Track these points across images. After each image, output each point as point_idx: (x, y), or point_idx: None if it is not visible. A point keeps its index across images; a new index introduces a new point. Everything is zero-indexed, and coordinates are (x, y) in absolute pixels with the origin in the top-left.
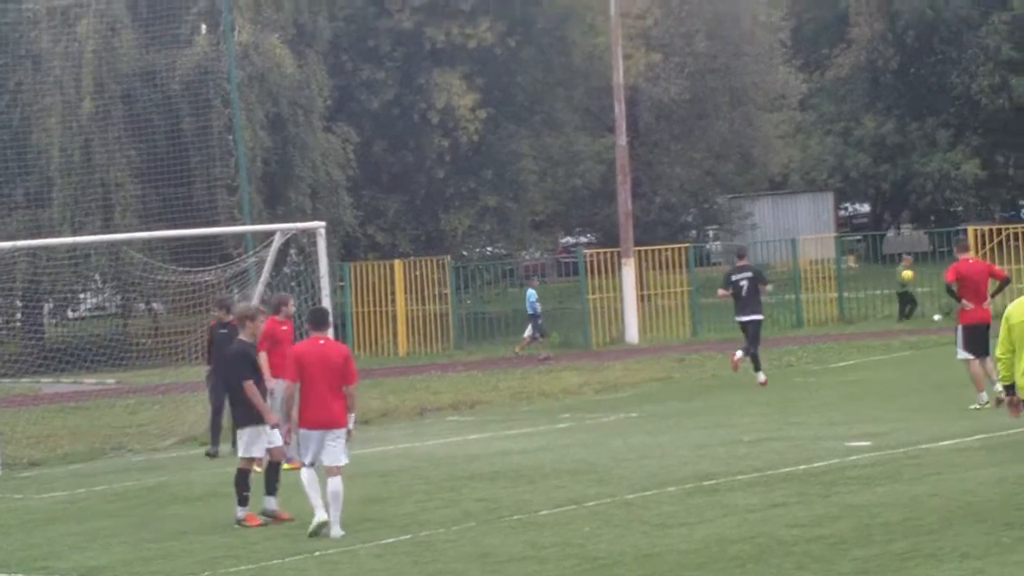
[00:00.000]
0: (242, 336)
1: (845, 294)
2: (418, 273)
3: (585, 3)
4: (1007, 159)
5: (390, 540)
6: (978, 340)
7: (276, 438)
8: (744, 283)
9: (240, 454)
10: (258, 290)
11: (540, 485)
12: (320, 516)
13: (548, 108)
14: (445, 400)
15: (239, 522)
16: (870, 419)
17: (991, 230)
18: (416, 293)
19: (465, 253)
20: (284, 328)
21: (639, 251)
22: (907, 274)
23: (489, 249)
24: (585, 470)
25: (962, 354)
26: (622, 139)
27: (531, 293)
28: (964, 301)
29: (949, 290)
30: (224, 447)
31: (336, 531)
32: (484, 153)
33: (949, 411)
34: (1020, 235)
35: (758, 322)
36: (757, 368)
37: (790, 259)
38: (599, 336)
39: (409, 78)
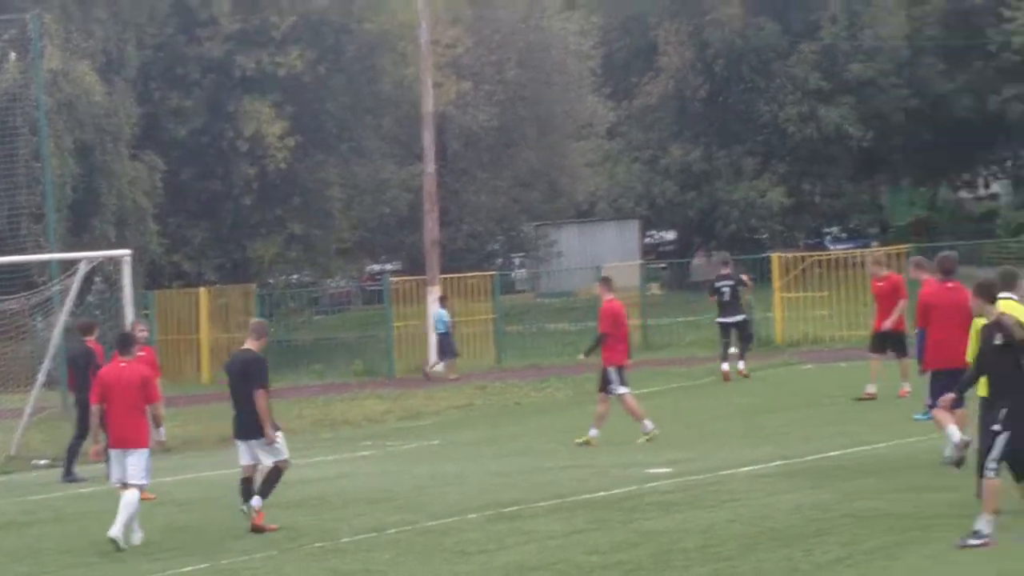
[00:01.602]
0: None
1: (649, 321)
2: (223, 301)
3: (395, 32)
4: (813, 187)
5: (189, 568)
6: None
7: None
8: (726, 289)
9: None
10: (62, 318)
11: (342, 513)
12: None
13: (357, 136)
14: None
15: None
16: (671, 446)
17: (795, 257)
18: (221, 321)
19: (271, 281)
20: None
21: (445, 279)
22: None
23: (295, 276)
24: (387, 498)
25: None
26: (430, 167)
27: (441, 313)
28: None
29: None
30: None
31: (114, 531)
32: (292, 181)
33: (749, 437)
34: (824, 263)
35: (744, 321)
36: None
37: (595, 286)
38: (403, 364)
39: (218, 106)
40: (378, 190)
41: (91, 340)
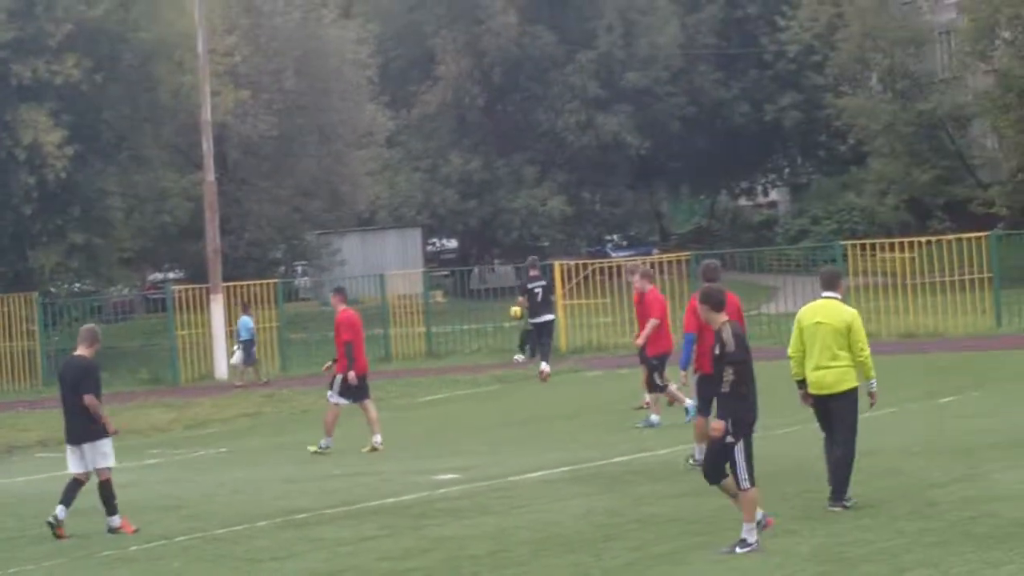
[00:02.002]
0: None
1: (433, 328)
2: (4, 310)
3: (172, 40)
4: (593, 195)
5: None
6: None
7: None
8: (538, 290)
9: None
10: None
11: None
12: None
13: (136, 144)
14: (33, 437)
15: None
16: (459, 452)
17: (577, 265)
18: (3, 330)
19: (53, 290)
20: None
21: (228, 287)
22: (516, 310)
23: (77, 285)
24: (175, 506)
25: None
26: (210, 175)
27: (246, 320)
28: None
29: None
30: None
31: None
32: (72, 190)
33: (536, 444)
34: (606, 270)
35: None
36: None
37: (378, 294)
38: (188, 372)
39: None
40: (159, 199)
41: None
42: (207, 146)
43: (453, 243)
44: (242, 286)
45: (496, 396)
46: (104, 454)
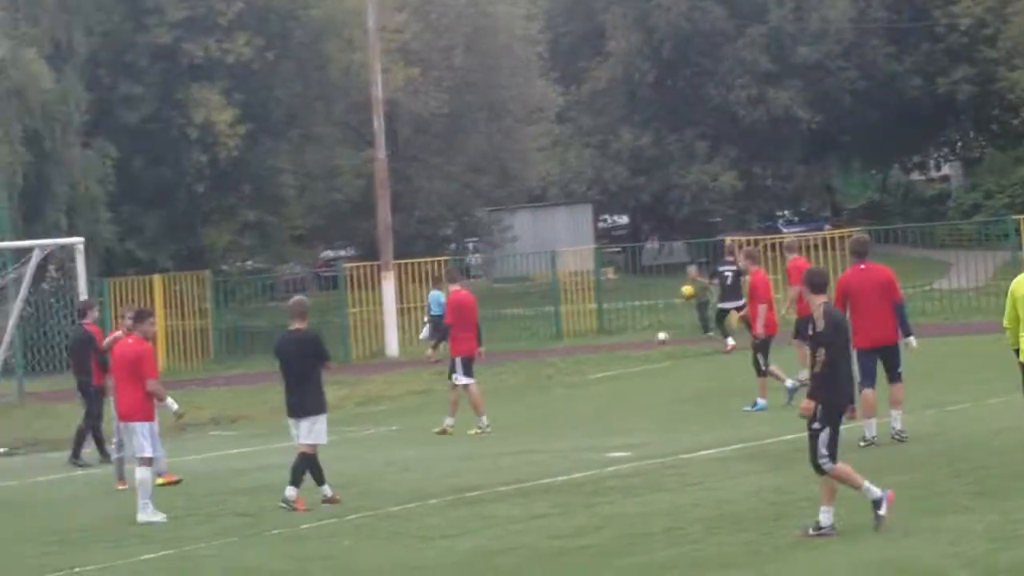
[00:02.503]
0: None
1: (604, 305)
2: (177, 288)
3: (342, 18)
4: (764, 170)
5: (150, 556)
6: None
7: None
8: (728, 274)
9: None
10: (17, 306)
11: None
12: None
13: (307, 122)
14: (206, 415)
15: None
16: (630, 430)
17: (749, 240)
18: (176, 308)
19: (226, 267)
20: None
21: (399, 264)
22: (687, 289)
23: (249, 263)
24: (347, 483)
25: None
26: (381, 153)
27: (436, 295)
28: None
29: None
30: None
31: (140, 516)
32: (243, 168)
33: (708, 421)
34: (777, 245)
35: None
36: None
37: (549, 271)
38: (360, 349)
39: (167, 93)
40: (330, 176)
41: (88, 323)
42: (378, 123)
43: (624, 219)
44: (413, 263)
45: (667, 373)
46: (319, 431)
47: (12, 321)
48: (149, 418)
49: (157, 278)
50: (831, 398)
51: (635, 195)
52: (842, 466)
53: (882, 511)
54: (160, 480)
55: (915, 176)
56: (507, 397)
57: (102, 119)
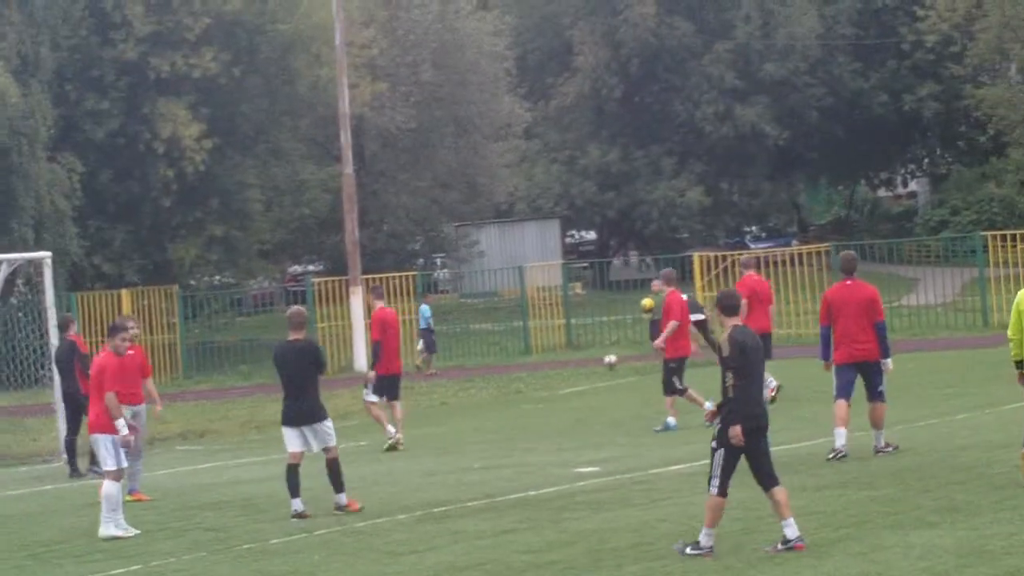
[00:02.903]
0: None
1: (572, 320)
2: (146, 303)
3: (309, 33)
4: (731, 186)
5: (120, 571)
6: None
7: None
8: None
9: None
10: None
11: (271, 514)
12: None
13: (274, 138)
14: (174, 429)
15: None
16: (599, 445)
17: (717, 256)
18: (144, 322)
19: (193, 282)
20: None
21: (367, 279)
22: (646, 302)
23: (217, 278)
24: (314, 499)
25: None
26: (349, 168)
27: (425, 309)
28: None
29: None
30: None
31: (102, 531)
32: (210, 183)
33: (677, 436)
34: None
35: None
36: None
37: (517, 286)
38: (329, 364)
39: (134, 108)
40: (297, 191)
41: (71, 334)
42: (345, 138)
43: (592, 235)
44: (381, 278)
45: (635, 388)
46: (329, 433)
47: None
48: (112, 431)
49: (125, 292)
50: (734, 424)
51: (602, 211)
52: (717, 500)
53: (689, 551)
54: (129, 497)
55: (882, 192)
56: (476, 412)
57: (69, 133)
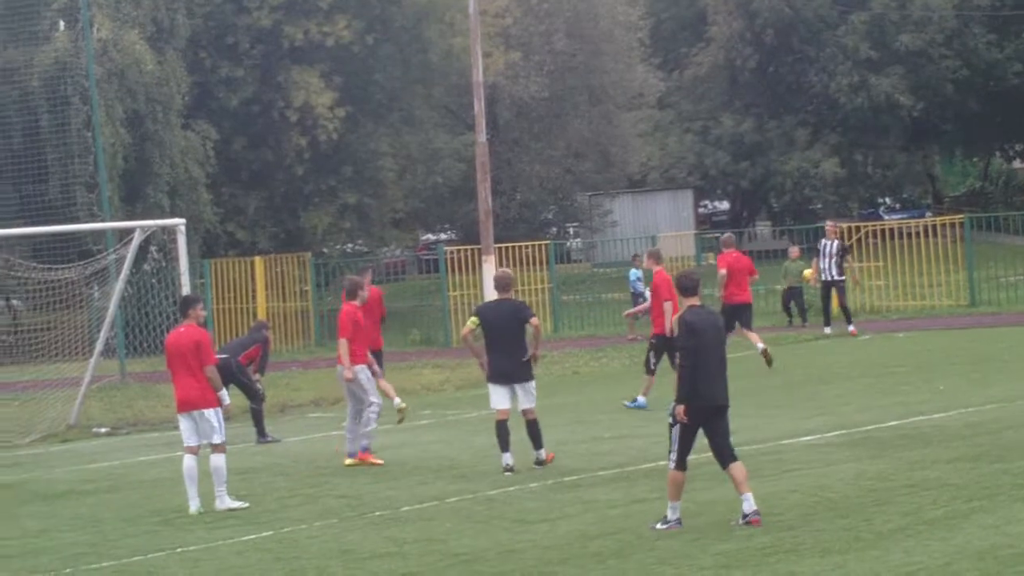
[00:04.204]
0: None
1: (706, 291)
2: (279, 270)
3: (443, 2)
4: (865, 157)
5: (252, 536)
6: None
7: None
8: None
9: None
10: (118, 287)
11: (402, 482)
12: (193, 507)
13: (407, 106)
14: (306, 396)
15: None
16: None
17: (850, 227)
18: (277, 290)
19: (325, 250)
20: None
21: (500, 248)
22: (808, 273)
23: (349, 246)
24: (447, 467)
25: None
26: (482, 136)
27: (633, 272)
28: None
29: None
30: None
31: (220, 503)
32: (343, 151)
33: (806, 407)
34: (879, 232)
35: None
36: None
37: None
38: (460, 333)
39: (268, 76)
40: (430, 160)
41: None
42: (479, 107)
43: (725, 205)
44: (513, 247)
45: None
46: (533, 394)
47: (114, 302)
48: (214, 404)
49: (258, 260)
50: (687, 401)
51: (736, 181)
52: (676, 475)
53: (659, 526)
54: (351, 461)
55: (1017, 164)
56: (608, 382)
57: (203, 101)
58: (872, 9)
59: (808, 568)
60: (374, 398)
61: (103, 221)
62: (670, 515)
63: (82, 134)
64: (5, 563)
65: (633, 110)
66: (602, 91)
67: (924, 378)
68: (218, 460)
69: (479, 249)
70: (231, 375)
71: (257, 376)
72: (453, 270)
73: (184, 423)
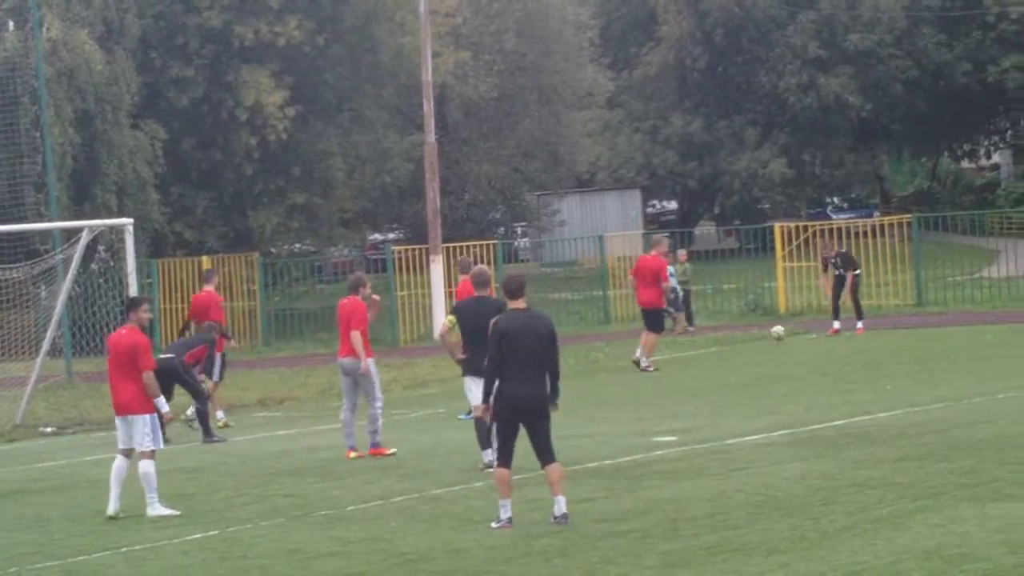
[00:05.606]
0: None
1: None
2: (226, 270)
3: (393, 2)
4: (813, 157)
5: (197, 536)
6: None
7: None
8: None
9: None
10: (65, 287)
11: (348, 481)
12: (111, 509)
13: (357, 106)
14: (252, 397)
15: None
16: (676, 415)
17: (798, 227)
18: (224, 290)
19: (274, 250)
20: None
21: (448, 247)
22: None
23: (297, 246)
24: (393, 465)
25: None
26: (431, 136)
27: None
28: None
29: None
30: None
31: (151, 510)
32: (293, 151)
33: (754, 407)
34: (826, 232)
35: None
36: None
37: (598, 255)
38: (408, 332)
39: (218, 75)
40: (380, 159)
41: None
42: (428, 107)
43: (672, 205)
44: (462, 247)
45: (715, 359)
46: None
47: (61, 301)
48: (149, 410)
49: (205, 259)
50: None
51: (684, 181)
52: (500, 472)
53: (493, 525)
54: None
55: (965, 164)
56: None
57: (152, 101)
58: (821, 9)
59: (754, 568)
60: (378, 393)
61: (51, 221)
62: (502, 513)
63: (31, 134)
64: None
65: (583, 109)
66: (552, 90)
67: (871, 377)
68: (147, 467)
69: (427, 248)
70: (175, 375)
71: (202, 377)
72: (401, 270)
73: (119, 425)
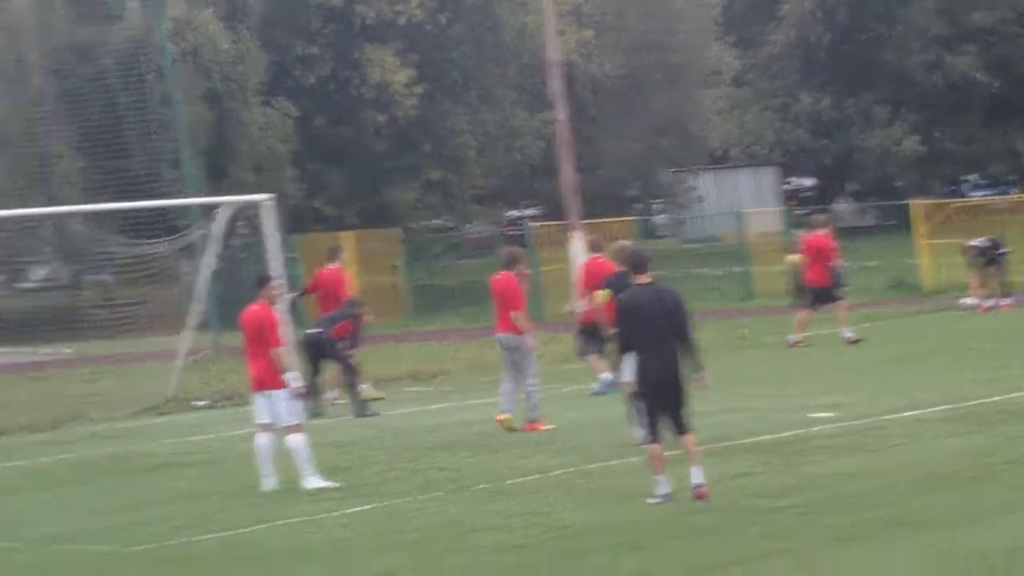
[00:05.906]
0: None
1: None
2: (368, 245)
3: None
4: (944, 135)
5: (356, 509)
6: None
7: None
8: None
9: None
10: (208, 262)
11: (502, 455)
12: (266, 485)
13: (483, 84)
14: (402, 371)
15: None
16: (829, 390)
17: (935, 204)
18: (367, 265)
19: (412, 226)
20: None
21: (586, 224)
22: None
23: (436, 222)
24: (545, 440)
25: None
26: (561, 114)
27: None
28: None
29: None
30: None
31: (305, 483)
32: (422, 128)
33: (909, 382)
34: (966, 209)
35: None
36: None
37: (736, 231)
38: (551, 308)
39: (343, 54)
40: (509, 137)
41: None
42: (556, 85)
43: (808, 182)
44: (599, 223)
45: (868, 335)
46: None
47: (204, 276)
48: (283, 385)
49: (349, 235)
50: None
51: (818, 157)
52: (654, 448)
53: (651, 500)
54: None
55: None
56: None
57: (281, 79)
58: None
59: (922, 541)
60: (533, 369)
61: (188, 197)
62: (658, 489)
63: (159, 110)
64: (108, 534)
65: (710, 87)
66: (678, 68)
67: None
68: (295, 440)
69: (564, 225)
70: (323, 349)
71: (350, 352)
72: (540, 246)
73: (257, 401)
